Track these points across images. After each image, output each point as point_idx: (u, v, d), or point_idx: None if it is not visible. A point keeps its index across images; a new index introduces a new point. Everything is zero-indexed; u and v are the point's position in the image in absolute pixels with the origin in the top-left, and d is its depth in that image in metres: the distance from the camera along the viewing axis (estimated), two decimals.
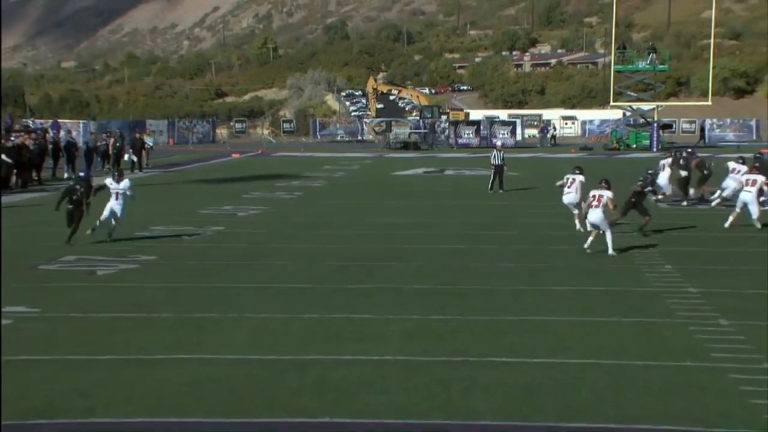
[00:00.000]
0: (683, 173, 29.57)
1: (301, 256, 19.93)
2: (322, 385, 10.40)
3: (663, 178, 29.12)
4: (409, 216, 27.21)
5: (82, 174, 23.11)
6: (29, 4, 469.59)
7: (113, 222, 21.21)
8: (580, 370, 10.94)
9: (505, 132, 71.96)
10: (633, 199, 22.16)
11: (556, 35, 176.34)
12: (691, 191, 29.66)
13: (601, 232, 19.32)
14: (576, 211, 23.04)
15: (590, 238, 19.57)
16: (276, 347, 12.15)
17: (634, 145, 64.05)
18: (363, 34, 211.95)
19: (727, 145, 69.96)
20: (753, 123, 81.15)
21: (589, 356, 11.57)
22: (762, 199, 23.88)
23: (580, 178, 23.33)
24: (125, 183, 21.21)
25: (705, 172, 29.72)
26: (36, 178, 38.56)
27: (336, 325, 13.38)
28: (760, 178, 23.59)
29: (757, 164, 27.19)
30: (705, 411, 9.49)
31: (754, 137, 77.74)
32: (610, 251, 19.09)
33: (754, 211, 23.26)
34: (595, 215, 19.20)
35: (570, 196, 23.29)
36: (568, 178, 23.57)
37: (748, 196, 23.36)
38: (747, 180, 23.79)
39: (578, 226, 22.63)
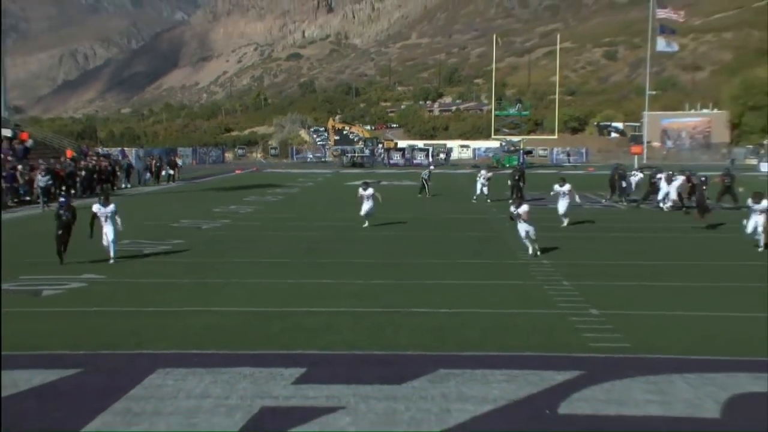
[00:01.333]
0: (510, 181, 29.97)
1: (283, 240, 19.71)
2: (297, 328, 10.28)
3: (478, 184, 31.48)
4: (358, 212, 27.00)
5: (62, 199, 17.02)
6: (101, 71, 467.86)
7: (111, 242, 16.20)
8: (472, 317, 10.95)
9: (422, 156, 72.28)
10: (700, 202, 21.46)
11: (456, 90, 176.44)
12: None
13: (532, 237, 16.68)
14: (367, 211, 21.95)
15: (528, 245, 16.77)
16: (265, 302, 11.98)
17: (507, 165, 64.43)
18: (325, 89, 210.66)
19: (566, 164, 71.46)
20: (583, 150, 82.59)
21: (478, 307, 11.59)
22: (567, 203, 22.57)
23: (370, 191, 22.13)
24: (111, 207, 16.10)
25: (521, 183, 29.66)
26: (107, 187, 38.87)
27: (307, 287, 13.23)
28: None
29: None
30: (553, 342, 9.57)
31: (584, 160, 79.15)
32: (530, 252, 16.59)
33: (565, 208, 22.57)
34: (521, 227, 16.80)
35: (368, 205, 22.07)
36: (365, 193, 22.07)
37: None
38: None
39: (365, 223, 21.92)
